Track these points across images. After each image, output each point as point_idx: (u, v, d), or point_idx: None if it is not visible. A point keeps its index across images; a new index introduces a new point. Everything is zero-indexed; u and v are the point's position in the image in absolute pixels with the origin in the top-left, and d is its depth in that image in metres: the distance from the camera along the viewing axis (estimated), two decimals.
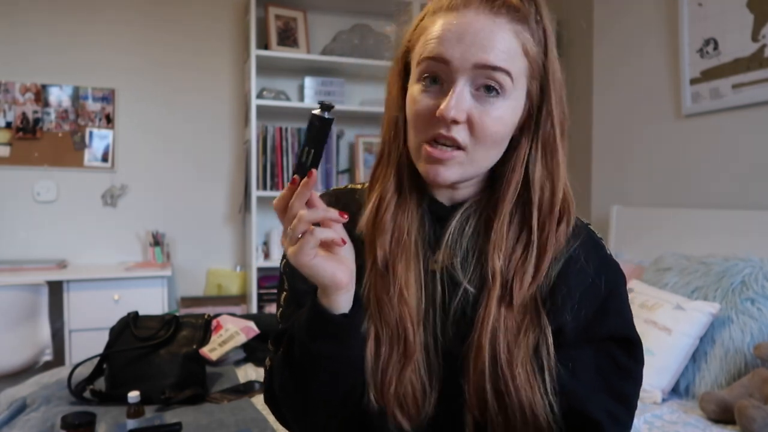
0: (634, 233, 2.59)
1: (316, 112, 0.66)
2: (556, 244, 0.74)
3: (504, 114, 0.70)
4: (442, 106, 0.68)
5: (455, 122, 0.69)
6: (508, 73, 0.69)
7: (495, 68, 0.68)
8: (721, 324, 1.77)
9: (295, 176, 0.66)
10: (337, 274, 0.67)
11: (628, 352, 0.76)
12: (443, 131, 0.69)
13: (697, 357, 1.78)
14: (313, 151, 0.66)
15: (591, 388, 0.73)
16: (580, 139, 3.03)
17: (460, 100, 0.68)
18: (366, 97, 3.36)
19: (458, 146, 0.70)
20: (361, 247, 0.76)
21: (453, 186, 0.76)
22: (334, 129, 3.30)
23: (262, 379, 1.78)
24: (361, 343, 0.73)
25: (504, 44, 0.68)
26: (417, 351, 0.73)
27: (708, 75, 2.31)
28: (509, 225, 0.74)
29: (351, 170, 3.41)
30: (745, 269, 1.83)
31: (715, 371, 1.73)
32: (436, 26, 0.71)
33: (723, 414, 1.55)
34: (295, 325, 0.73)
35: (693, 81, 2.38)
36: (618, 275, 0.79)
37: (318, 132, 0.66)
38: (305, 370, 0.72)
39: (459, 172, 0.72)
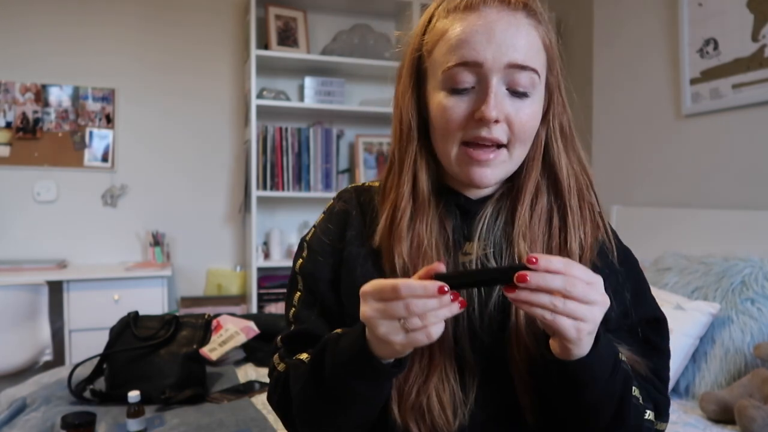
0: (634, 233, 2.59)
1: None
2: (592, 223, 0.77)
3: (535, 110, 0.73)
4: (483, 108, 0.69)
5: (496, 122, 0.70)
6: (536, 72, 0.71)
7: (525, 68, 0.69)
8: (721, 324, 1.77)
9: (445, 287, 0.60)
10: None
11: (658, 331, 0.81)
12: (484, 133, 0.70)
13: (697, 357, 1.78)
14: (471, 284, 0.65)
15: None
16: (580, 140, 3.02)
17: (498, 100, 0.69)
18: (366, 97, 3.36)
19: (499, 145, 0.71)
20: (379, 256, 0.76)
21: None
22: (334, 130, 3.30)
23: (261, 379, 1.79)
24: (393, 383, 0.71)
25: (529, 41, 0.70)
26: (441, 362, 0.71)
27: (708, 75, 2.31)
28: (532, 211, 0.75)
29: (351, 170, 3.41)
30: (745, 269, 1.83)
31: (715, 371, 1.73)
32: (458, 29, 0.70)
33: (723, 414, 1.55)
34: (329, 350, 0.69)
35: (693, 81, 2.38)
36: (635, 260, 0.84)
37: (492, 282, 0.66)
38: (336, 400, 0.69)
39: (503, 171, 0.74)
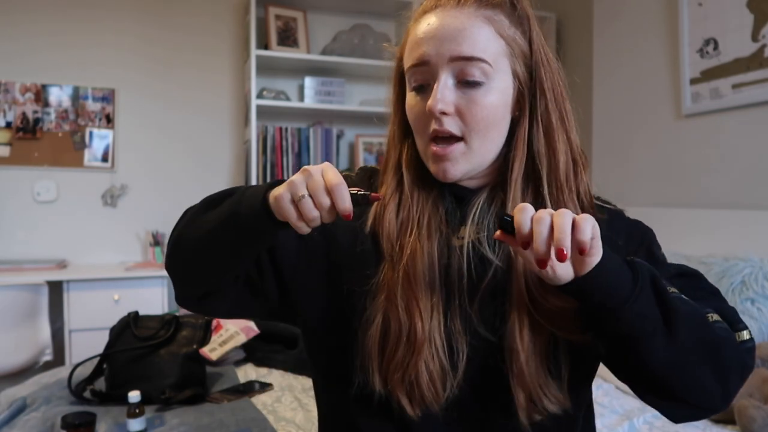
0: None
1: None
2: (576, 209, 0.77)
3: (491, 99, 0.73)
4: (429, 102, 0.72)
5: (444, 114, 0.72)
6: (484, 60, 0.72)
7: (470, 59, 0.71)
8: None
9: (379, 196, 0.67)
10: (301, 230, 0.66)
11: (696, 282, 0.78)
12: (437, 126, 0.73)
13: None
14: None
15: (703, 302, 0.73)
16: (579, 139, 3.02)
17: (444, 93, 0.72)
18: (366, 97, 3.36)
19: (455, 138, 0.73)
20: (377, 244, 0.78)
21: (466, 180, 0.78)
22: (334, 130, 3.30)
23: (262, 380, 1.79)
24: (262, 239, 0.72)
25: (473, 32, 0.72)
26: (428, 338, 0.72)
27: (708, 75, 2.31)
28: (523, 201, 0.76)
29: (351, 170, 3.39)
30: (745, 269, 1.83)
31: None
32: (416, 31, 0.75)
33: (723, 414, 1.55)
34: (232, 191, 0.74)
35: (693, 81, 2.38)
36: (646, 229, 0.84)
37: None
38: (214, 223, 0.72)
39: (465, 166, 0.75)
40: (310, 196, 0.62)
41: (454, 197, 0.79)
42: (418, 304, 0.73)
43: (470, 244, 0.75)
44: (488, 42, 0.72)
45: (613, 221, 0.81)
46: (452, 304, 0.74)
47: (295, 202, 0.62)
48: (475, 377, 0.74)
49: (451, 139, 0.73)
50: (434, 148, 0.74)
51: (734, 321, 0.73)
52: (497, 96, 0.73)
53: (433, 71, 0.73)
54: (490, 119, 0.73)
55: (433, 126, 0.73)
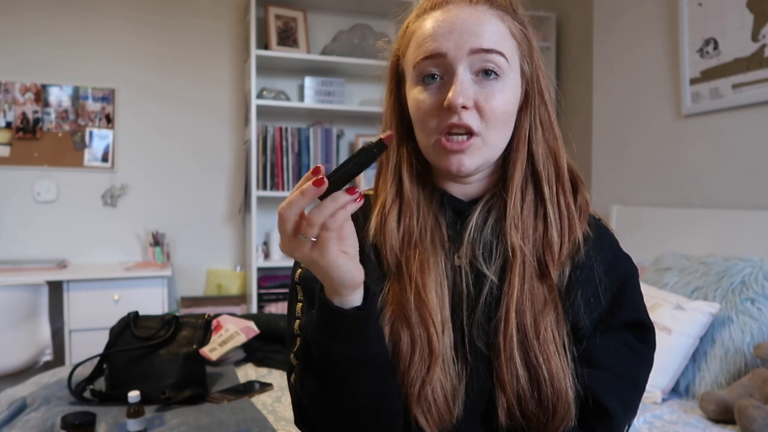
0: (634, 233, 2.59)
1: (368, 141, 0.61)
2: (577, 216, 0.77)
3: (507, 94, 0.73)
4: (449, 95, 0.70)
5: (465, 108, 0.70)
6: (502, 54, 0.72)
7: (490, 51, 0.71)
8: (721, 324, 1.77)
9: (320, 173, 0.59)
10: (354, 272, 0.64)
11: (641, 336, 0.78)
12: (455, 120, 0.71)
13: (697, 357, 1.78)
14: (346, 172, 0.59)
15: (606, 373, 0.75)
16: (580, 139, 3.03)
17: (464, 87, 0.71)
18: (366, 97, 3.36)
19: (472, 133, 0.72)
20: (378, 256, 0.77)
21: (467, 179, 0.77)
22: (334, 130, 3.30)
23: (261, 380, 1.79)
24: (382, 339, 0.70)
25: (491, 28, 0.72)
26: (442, 353, 0.72)
27: (708, 75, 2.31)
28: (523, 203, 0.76)
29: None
30: (745, 269, 1.83)
31: (715, 371, 1.73)
32: (425, 26, 0.74)
33: (723, 414, 1.55)
34: (308, 329, 0.69)
35: (693, 81, 2.38)
36: (629, 268, 0.81)
37: (363, 160, 0.60)
38: (329, 377, 0.68)
39: (479, 159, 0.74)
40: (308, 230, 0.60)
41: (453, 211, 0.79)
42: (432, 317, 0.72)
43: (468, 264, 0.76)
44: (504, 38, 0.73)
45: (601, 244, 0.79)
46: (457, 321, 0.75)
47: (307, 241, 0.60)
48: (476, 391, 0.74)
49: (467, 133, 0.72)
50: (446, 142, 0.71)
51: (624, 413, 0.75)
52: (512, 92, 0.74)
53: (450, 64, 0.71)
54: (506, 115, 0.73)
55: (451, 120, 0.71)
